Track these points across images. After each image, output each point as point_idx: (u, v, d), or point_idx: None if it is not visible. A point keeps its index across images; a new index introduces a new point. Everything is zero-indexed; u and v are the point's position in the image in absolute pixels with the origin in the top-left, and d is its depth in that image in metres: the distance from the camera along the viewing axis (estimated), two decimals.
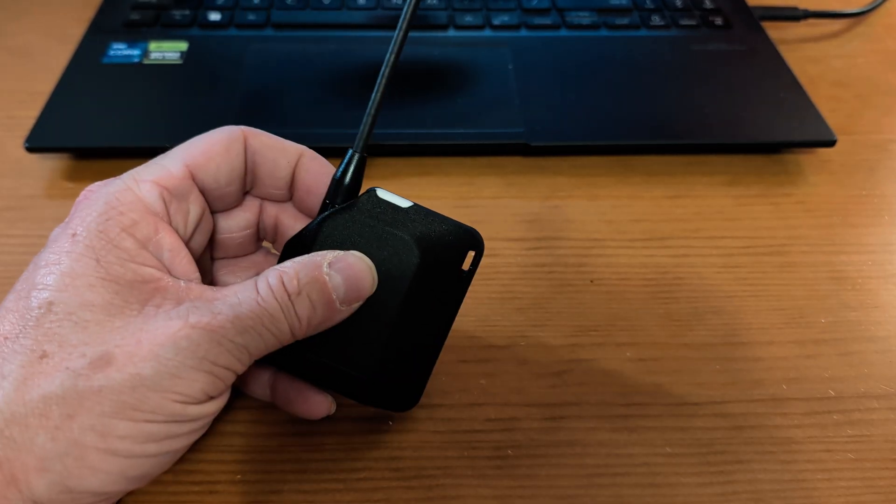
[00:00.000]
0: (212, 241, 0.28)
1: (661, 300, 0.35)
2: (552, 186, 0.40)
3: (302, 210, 0.28)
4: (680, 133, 0.42)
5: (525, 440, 0.29)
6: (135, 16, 0.48)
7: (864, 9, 0.54)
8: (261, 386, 0.28)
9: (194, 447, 0.27)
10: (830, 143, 0.41)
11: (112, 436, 0.20)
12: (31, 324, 0.21)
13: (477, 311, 0.34)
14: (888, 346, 0.33)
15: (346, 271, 0.24)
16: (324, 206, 0.26)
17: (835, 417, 0.30)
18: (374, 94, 0.26)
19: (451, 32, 0.48)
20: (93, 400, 0.20)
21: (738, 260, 0.37)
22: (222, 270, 0.29)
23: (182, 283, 0.23)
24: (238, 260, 0.29)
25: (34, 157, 0.41)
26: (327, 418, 0.29)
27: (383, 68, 0.26)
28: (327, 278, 0.24)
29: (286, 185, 0.27)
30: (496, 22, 0.48)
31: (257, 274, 0.24)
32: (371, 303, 0.25)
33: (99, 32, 0.47)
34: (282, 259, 0.26)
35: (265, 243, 0.30)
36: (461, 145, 0.41)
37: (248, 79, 0.44)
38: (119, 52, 0.45)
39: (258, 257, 0.30)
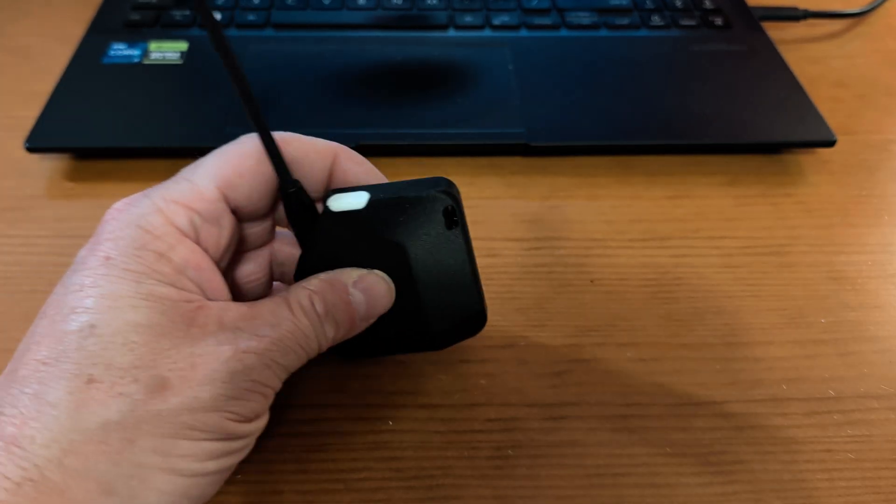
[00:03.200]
0: None
1: (661, 300, 0.35)
2: (552, 186, 0.40)
3: None
4: (680, 133, 0.42)
5: (525, 440, 0.29)
6: (135, 16, 0.48)
7: (864, 9, 0.54)
8: None
9: None
10: (830, 143, 0.41)
11: (174, 455, 0.21)
12: (71, 347, 0.20)
13: None
14: (888, 346, 0.33)
15: (367, 291, 0.25)
16: (300, 238, 0.26)
17: (835, 417, 0.30)
18: (256, 127, 0.24)
19: (451, 32, 0.48)
20: (152, 423, 0.20)
21: (738, 260, 0.37)
22: (240, 261, 0.28)
23: (220, 303, 0.23)
24: (255, 251, 0.28)
25: (34, 157, 0.41)
26: (327, 418, 0.29)
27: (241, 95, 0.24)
28: (351, 299, 0.25)
29: (322, 187, 0.26)
30: (496, 22, 0.49)
31: (270, 260, 0.26)
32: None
33: (99, 32, 0.47)
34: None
35: (278, 229, 0.29)
36: (461, 145, 0.41)
37: (248, 79, 0.43)
38: (119, 52, 0.45)
39: (272, 247, 0.29)
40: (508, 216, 0.38)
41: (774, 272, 0.36)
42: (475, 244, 0.27)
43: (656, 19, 0.49)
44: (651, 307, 0.34)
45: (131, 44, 0.46)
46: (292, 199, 0.25)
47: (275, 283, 0.29)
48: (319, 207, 0.26)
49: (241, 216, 0.25)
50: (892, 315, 0.34)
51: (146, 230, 0.22)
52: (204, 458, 0.21)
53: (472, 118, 0.42)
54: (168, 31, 0.47)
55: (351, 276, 0.25)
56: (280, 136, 0.25)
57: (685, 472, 0.28)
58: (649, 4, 0.51)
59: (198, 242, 0.23)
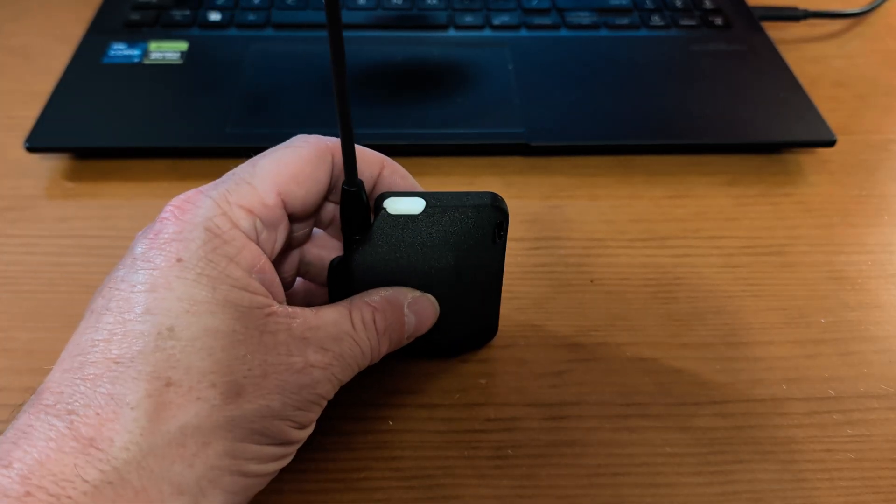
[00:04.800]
0: None
1: (661, 300, 0.35)
2: (552, 186, 0.40)
3: None
4: (680, 133, 0.42)
5: (525, 440, 0.29)
6: (135, 16, 0.48)
7: (864, 9, 0.54)
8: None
9: None
10: (830, 143, 0.41)
11: (242, 458, 0.22)
12: (149, 348, 0.20)
13: None
14: (888, 346, 0.33)
15: (419, 314, 0.27)
16: (348, 237, 0.26)
17: (835, 417, 0.30)
18: (341, 129, 0.23)
19: (451, 32, 0.48)
20: (226, 428, 0.21)
21: (738, 260, 0.37)
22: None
23: (287, 308, 0.23)
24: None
25: (34, 157, 0.41)
26: (327, 418, 0.29)
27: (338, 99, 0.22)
28: (405, 320, 0.26)
29: (367, 194, 0.27)
30: (496, 22, 0.49)
31: (300, 259, 0.27)
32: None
33: (99, 32, 0.47)
34: (330, 282, 0.27)
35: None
36: (461, 145, 0.41)
37: (248, 79, 0.44)
38: (119, 52, 0.45)
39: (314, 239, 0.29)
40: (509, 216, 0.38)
41: (774, 272, 0.36)
42: None
43: (656, 19, 0.49)
44: (651, 307, 0.34)
45: (131, 44, 0.46)
46: (353, 197, 0.25)
47: (299, 278, 0.29)
48: None
49: (294, 219, 0.26)
50: (892, 315, 0.34)
51: (215, 234, 0.22)
52: (266, 461, 0.23)
53: (472, 118, 0.42)
54: (168, 31, 0.47)
55: (407, 297, 0.27)
56: (335, 141, 0.25)
57: (685, 472, 0.28)
58: (649, 4, 0.51)
59: (258, 245, 0.24)
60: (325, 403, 0.24)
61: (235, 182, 0.24)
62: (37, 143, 0.39)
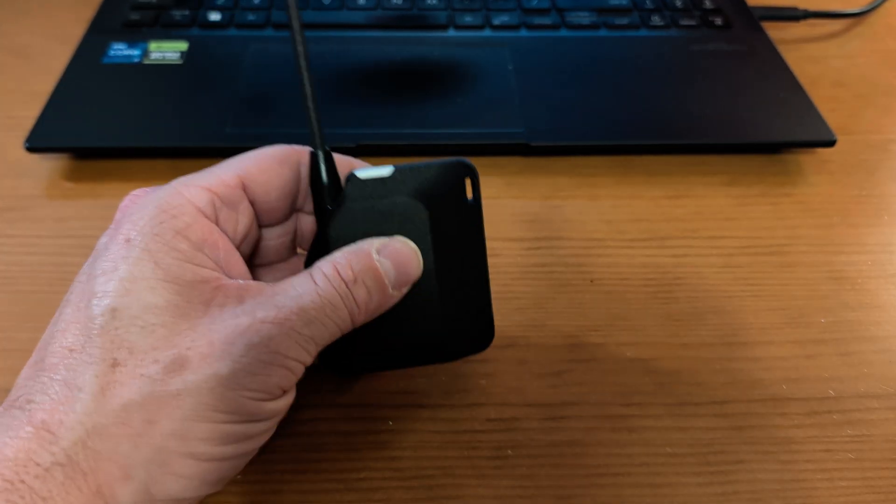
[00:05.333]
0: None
1: (661, 300, 0.35)
2: (552, 186, 0.40)
3: None
4: (680, 133, 0.42)
5: (525, 440, 0.29)
6: (135, 16, 0.48)
7: (864, 9, 0.54)
8: None
9: None
10: (830, 143, 0.41)
11: (193, 439, 0.21)
12: (95, 332, 0.21)
13: None
14: (888, 346, 0.33)
15: (394, 256, 0.25)
16: (320, 212, 0.26)
17: (835, 417, 0.30)
18: (304, 91, 0.25)
19: (451, 32, 0.48)
20: (172, 405, 0.20)
21: (738, 260, 0.37)
22: (259, 276, 0.29)
23: (240, 281, 0.23)
24: (274, 265, 0.29)
25: (34, 157, 0.41)
26: (327, 418, 0.29)
27: (301, 69, 0.25)
28: (378, 265, 0.24)
29: None
30: (496, 22, 0.48)
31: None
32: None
33: (99, 32, 0.47)
34: (306, 265, 0.26)
35: (299, 250, 0.30)
36: (461, 145, 0.41)
37: (248, 79, 0.44)
38: (119, 52, 0.45)
39: (293, 263, 0.29)
40: (508, 216, 0.38)
41: (774, 272, 0.36)
42: None
43: (656, 19, 0.49)
44: (651, 307, 0.34)
45: (131, 44, 0.46)
46: (322, 159, 0.25)
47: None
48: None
49: (259, 213, 0.26)
50: (892, 315, 0.34)
51: (164, 210, 0.23)
52: (223, 443, 0.21)
53: (471, 118, 0.42)
54: (168, 31, 0.47)
55: (373, 245, 0.25)
56: (304, 148, 0.26)
57: (685, 472, 0.28)
58: (649, 4, 0.51)
59: (216, 224, 0.24)
60: (294, 366, 0.22)
61: (197, 173, 0.25)
62: (37, 143, 0.39)
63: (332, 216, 0.26)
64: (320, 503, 0.27)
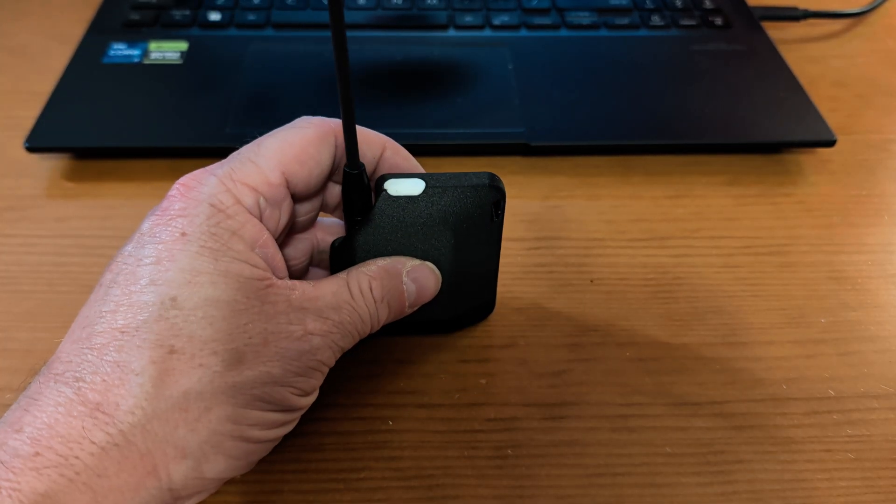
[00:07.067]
0: None
1: (661, 300, 0.35)
2: (552, 186, 0.40)
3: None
4: (680, 133, 0.42)
5: (525, 440, 0.29)
6: (135, 16, 0.48)
7: (864, 9, 0.54)
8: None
9: None
10: (830, 143, 0.41)
11: (244, 424, 0.22)
12: (151, 317, 0.21)
13: None
14: (888, 346, 0.33)
15: (419, 281, 0.27)
16: (351, 220, 0.27)
17: (835, 417, 0.30)
18: (343, 112, 0.25)
19: (451, 32, 0.48)
20: (228, 394, 0.22)
21: (738, 260, 0.37)
22: (284, 242, 0.29)
23: (287, 281, 0.24)
24: (295, 237, 0.29)
25: (34, 157, 0.41)
26: (327, 418, 0.29)
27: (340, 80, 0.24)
28: (405, 287, 0.27)
29: (370, 174, 0.27)
30: (496, 22, 0.48)
31: (312, 247, 0.28)
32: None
33: (99, 32, 0.47)
34: (332, 262, 0.27)
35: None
36: (461, 145, 0.41)
37: (248, 79, 0.44)
38: (119, 52, 0.45)
39: (311, 234, 0.30)
40: (508, 216, 0.38)
41: (774, 272, 0.36)
42: None
43: (656, 19, 0.49)
44: (651, 307, 0.34)
45: (131, 44, 0.46)
46: (354, 180, 0.25)
47: (312, 268, 0.30)
48: None
49: (294, 199, 0.26)
50: (892, 315, 0.34)
51: (219, 209, 0.23)
52: (268, 427, 0.23)
53: (472, 118, 0.42)
54: (168, 31, 0.47)
55: (405, 266, 0.27)
56: (337, 122, 0.26)
57: (685, 472, 0.28)
58: (649, 4, 0.51)
59: (261, 223, 0.24)
60: (326, 370, 0.25)
61: (240, 161, 0.24)
62: (37, 143, 0.39)
63: (362, 227, 0.27)
64: (320, 503, 0.27)
